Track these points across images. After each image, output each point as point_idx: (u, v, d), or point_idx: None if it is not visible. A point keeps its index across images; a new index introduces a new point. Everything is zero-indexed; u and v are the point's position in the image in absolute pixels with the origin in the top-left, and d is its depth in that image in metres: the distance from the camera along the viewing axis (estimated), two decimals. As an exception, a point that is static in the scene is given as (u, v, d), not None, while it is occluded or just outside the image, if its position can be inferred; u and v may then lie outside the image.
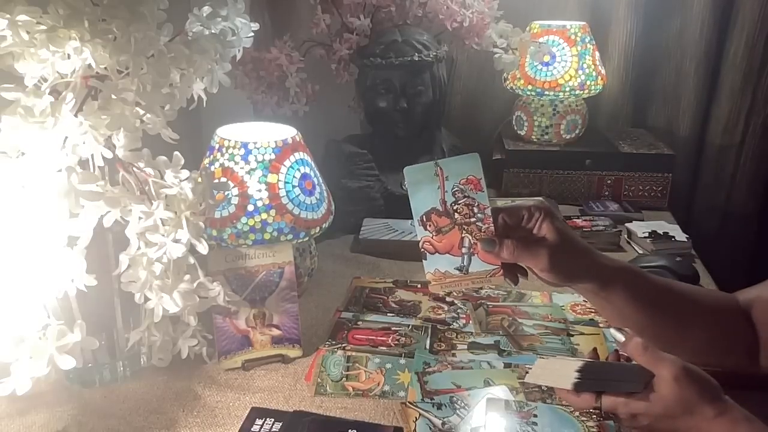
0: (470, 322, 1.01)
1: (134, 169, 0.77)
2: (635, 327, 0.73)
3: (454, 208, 0.75)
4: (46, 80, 0.71)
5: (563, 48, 1.45)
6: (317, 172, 1.03)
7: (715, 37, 1.56)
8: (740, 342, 0.76)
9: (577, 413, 0.78)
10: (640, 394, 0.64)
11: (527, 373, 0.76)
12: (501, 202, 0.79)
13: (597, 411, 0.66)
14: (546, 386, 0.80)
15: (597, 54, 1.50)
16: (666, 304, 0.76)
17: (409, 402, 0.82)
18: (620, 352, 0.70)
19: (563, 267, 0.73)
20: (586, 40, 1.47)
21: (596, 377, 0.66)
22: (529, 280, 0.78)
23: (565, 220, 0.76)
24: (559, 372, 0.69)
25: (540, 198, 0.76)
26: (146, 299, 0.77)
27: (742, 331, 0.77)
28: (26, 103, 0.67)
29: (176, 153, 0.78)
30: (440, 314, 1.03)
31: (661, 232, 1.27)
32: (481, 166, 0.75)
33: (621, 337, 0.69)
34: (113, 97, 0.72)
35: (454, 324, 1.00)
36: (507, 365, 0.88)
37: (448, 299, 1.07)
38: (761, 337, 0.76)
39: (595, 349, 0.73)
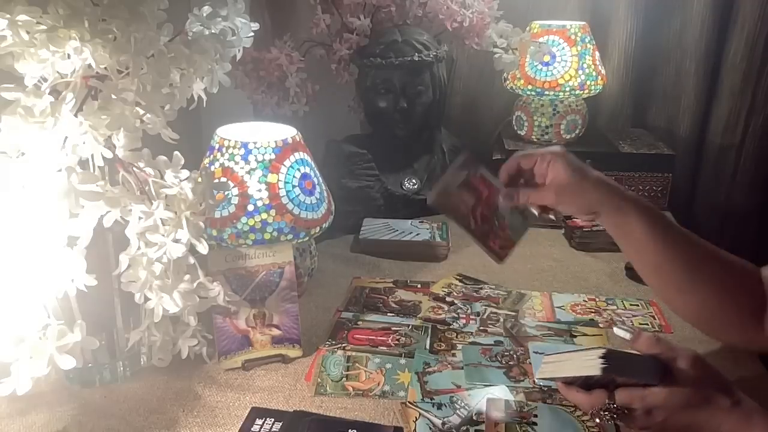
0: (470, 322, 1.01)
1: (134, 169, 0.77)
2: (650, 265, 0.78)
3: None
4: (46, 80, 0.71)
5: (563, 48, 1.45)
6: (317, 172, 1.03)
7: (715, 37, 1.56)
8: (749, 305, 0.76)
9: (578, 413, 0.78)
10: (657, 386, 0.63)
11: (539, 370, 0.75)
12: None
13: (608, 410, 0.65)
14: (560, 380, 0.74)
15: (597, 54, 1.50)
16: (682, 245, 0.79)
17: (409, 402, 0.82)
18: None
19: (576, 201, 0.82)
20: (586, 40, 1.47)
21: (619, 364, 0.65)
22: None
23: (581, 160, 0.83)
24: (580, 362, 0.67)
25: (556, 146, 0.84)
26: (146, 299, 0.77)
27: (755, 293, 0.76)
28: (26, 103, 0.67)
29: (176, 153, 0.78)
30: (440, 314, 1.03)
31: (661, 232, 1.27)
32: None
33: (627, 335, 0.68)
34: (113, 97, 0.72)
35: (454, 324, 1.00)
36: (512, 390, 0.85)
37: (448, 299, 1.07)
38: None
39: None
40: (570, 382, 0.69)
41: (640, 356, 0.67)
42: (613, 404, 0.65)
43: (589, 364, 0.65)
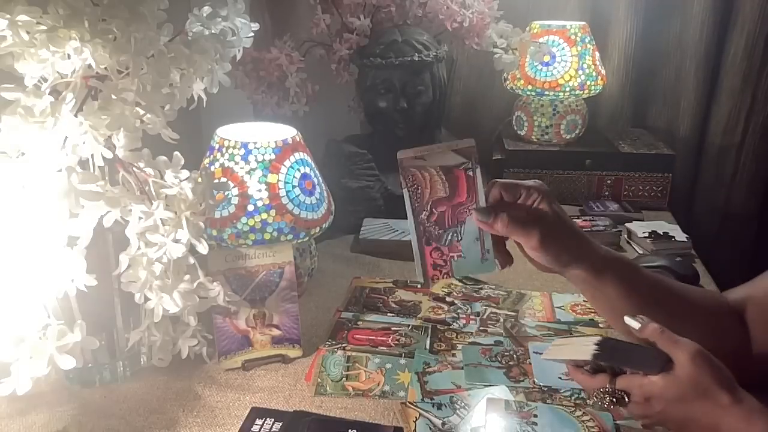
0: (470, 322, 1.01)
1: (134, 169, 0.77)
2: (623, 320, 0.73)
3: None
4: (46, 80, 0.71)
5: (563, 48, 1.45)
6: (317, 172, 1.03)
7: (714, 38, 1.56)
8: (730, 341, 0.75)
9: (577, 413, 0.79)
10: (656, 376, 0.63)
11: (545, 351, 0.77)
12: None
13: (609, 393, 0.66)
14: (562, 361, 0.76)
15: (597, 54, 1.50)
16: (658, 298, 0.76)
17: (409, 402, 0.82)
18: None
19: (555, 248, 0.74)
20: (586, 40, 1.47)
21: (614, 352, 0.66)
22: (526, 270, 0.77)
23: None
24: (578, 347, 0.69)
25: (539, 181, 0.77)
26: (146, 299, 0.77)
27: (733, 330, 0.76)
28: (26, 103, 0.67)
29: (176, 153, 0.78)
30: (440, 314, 1.03)
31: (661, 232, 1.27)
32: None
33: (636, 324, 0.69)
34: (113, 97, 0.72)
35: (454, 324, 1.00)
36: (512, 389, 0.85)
37: (448, 299, 1.07)
38: (754, 337, 0.75)
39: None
40: (579, 365, 0.70)
41: (641, 347, 0.68)
42: (612, 388, 0.65)
43: (584, 350, 0.67)
